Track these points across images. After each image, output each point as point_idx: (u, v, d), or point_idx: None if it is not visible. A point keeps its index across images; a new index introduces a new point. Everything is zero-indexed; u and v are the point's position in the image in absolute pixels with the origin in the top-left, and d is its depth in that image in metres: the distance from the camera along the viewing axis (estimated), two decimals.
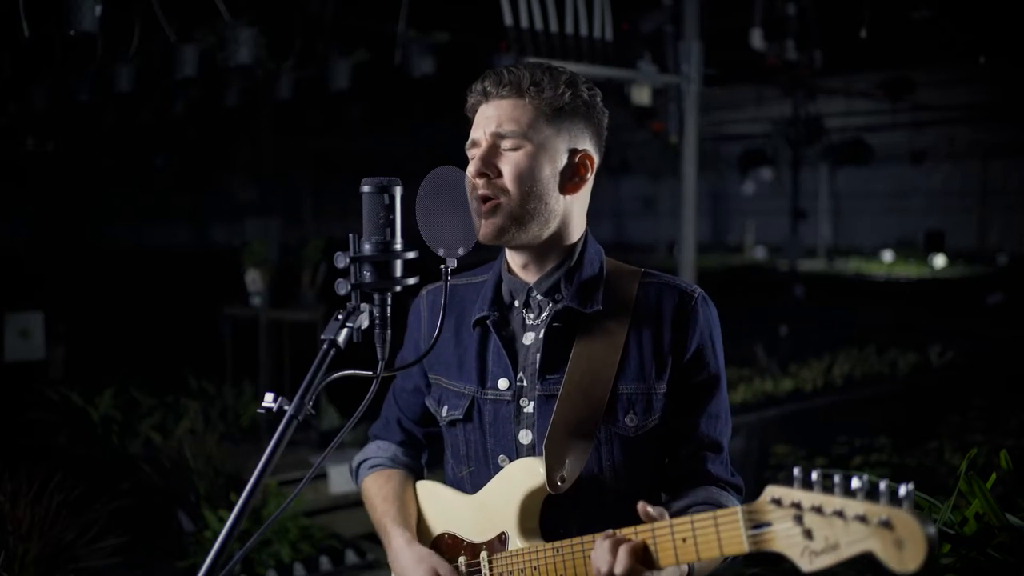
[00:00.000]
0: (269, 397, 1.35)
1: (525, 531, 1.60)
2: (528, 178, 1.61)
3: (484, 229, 1.60)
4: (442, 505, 1.77)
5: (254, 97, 8.34)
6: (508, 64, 1.69)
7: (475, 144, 1.66)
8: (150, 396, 6.05)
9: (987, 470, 2.75)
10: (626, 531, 1.41)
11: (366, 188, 1.43)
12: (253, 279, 6.09)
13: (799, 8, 6.65)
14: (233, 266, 6.33)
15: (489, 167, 1.61)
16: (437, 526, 1.76)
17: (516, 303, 1.72)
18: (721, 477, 1.67)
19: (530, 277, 1.71)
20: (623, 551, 1.37)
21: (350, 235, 1.43)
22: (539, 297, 1.70)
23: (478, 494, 1.69)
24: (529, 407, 1.66)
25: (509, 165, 1.61)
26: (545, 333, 1.67)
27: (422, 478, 1.88)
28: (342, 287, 1.43)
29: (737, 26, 6.53)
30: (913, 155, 15.75)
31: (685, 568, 1.45)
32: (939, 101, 12.80)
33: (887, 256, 18.01)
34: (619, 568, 1.36)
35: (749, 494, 1.62)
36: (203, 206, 19.98)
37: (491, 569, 1.63)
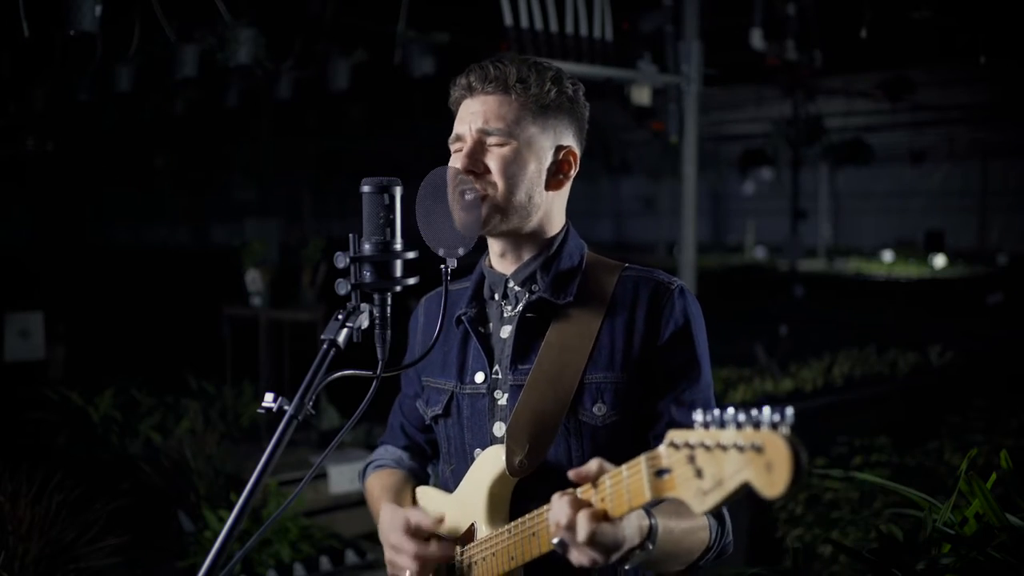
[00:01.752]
0: (269, 397, 1.36)
1: (493, 520, 1.60)
2: (514, 175, 1.62)
3: (469, 221, 1.60)
4: (432, 507, 1.78)
5: (254, 97, 8.34)
6: (494, 58, 1.68)
7: (459, 139, 1.66)
8: (150, 396, 6.05)
9: (987, 470, 2.75)
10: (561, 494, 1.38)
11: (366, 188, 1.43)
12: (253, 279, 6.09)
13: (799, 8, 6.65)
14: (233, 266, 6.33)
15: (476, 163, 1.61)
16: None
17: (496, 296, 1.73)
18: None
19: (507, 268, 1.72)
20: (582, 517, 1.31)
21: (350, 235, 1.43)
22: (516, 288, 1.70)
23: (456, 490, 1.70)
24: (503, 399, 1.67)
25: (496, 161, 1.62)
26: (517, 323, 1.67)
27: (425, 484, 1.89)
28: (342, 287, 1.43)
29: (737, 26, 6.53)
30: (913, 155, 15.75)
31: (645, 524, 1.38)
32: (939, 101, 12.79)
33: (887, 256, 18.00)
34: (580, 536, 1.30)
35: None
36: (203, 206, 19.99)
37: (461, 561, 1.64)
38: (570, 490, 1.36)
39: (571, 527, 1.31)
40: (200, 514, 4.42)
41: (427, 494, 1.81)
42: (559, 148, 1.68)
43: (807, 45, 6.91)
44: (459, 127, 1.66)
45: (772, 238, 19.06)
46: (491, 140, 1.62)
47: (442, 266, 1.52)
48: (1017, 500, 2.22)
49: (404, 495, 1.81)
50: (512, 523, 1.53)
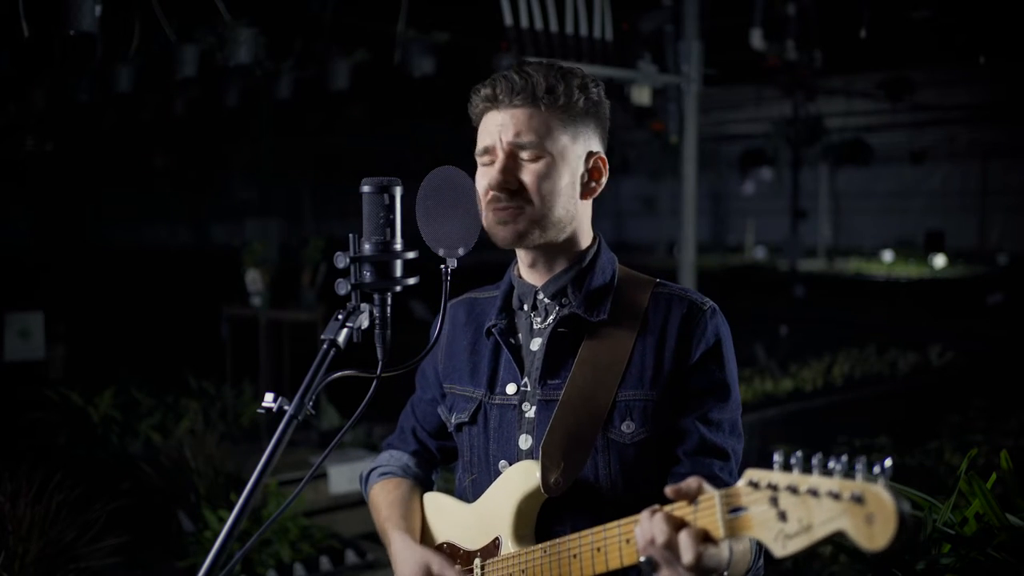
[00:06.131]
0: (269, 397, 1.35)
1: (519, 536, 1.58)
2: (550, 189, 1.59)
3: (504, 233, 1.60)
4: (444, 515, 1.76)
5: (254, 97, 8.34)
6: (517, 66, 1.63)
7: (489, 152, 1.62)
8: (150, 396, 6.05)
9: (987, 470, 2.76)
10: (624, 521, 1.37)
11: (366, 188, 1.43)
12: (253, 279, 6.09)
13: (799, 8, 6.66)
14: (233, 266, 6.33)
15: (511, 180, 1.59)
16: (438, 536, 1.75)
17: (524, 307, 1.72)
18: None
19: (537, 279, 1.70)
20: (687, 537, 1.23)
21: (350, 235, 1.42)
22: (546, 300, 1.69)
23: (477, 501, 1.68)
24: (531, 412, 1.65)
25: (531, 176, 1.59)
26: (548, 338, 1.66)
27: (431, 491, 1.87)
28: (342, 287, 1.42)
29: (737, 26, 6.53)
30: (913, 155, 15.75)
31: (726, 555, 1.31)
32: (939, 101, 12.79)
33: (887, 256, 18.00)
34: (687, 558, 1.22)
35: None
36: (203, 206, 19.97)
37: (483, 575, 1.62)
38: (656, 507, 1.30)
39: (671, 546, 1.24)
40: (200, 514, 4.41)
41: (437, 502, 1.79)
42: (589, 155, 1.66)
43: (807, 45, 6.92)
44: (486, 139, 1.62)
45: (772, 238, 19.05)
46: (524, 154, 1.59)
47: (442, 266, 1.51)
48: (1017, 500, 2.22)
49: (413, 510, 1.78)
50: (548, 543, 1.50)
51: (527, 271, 1.71)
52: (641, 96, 5.31)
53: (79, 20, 3.75)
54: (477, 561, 1.64)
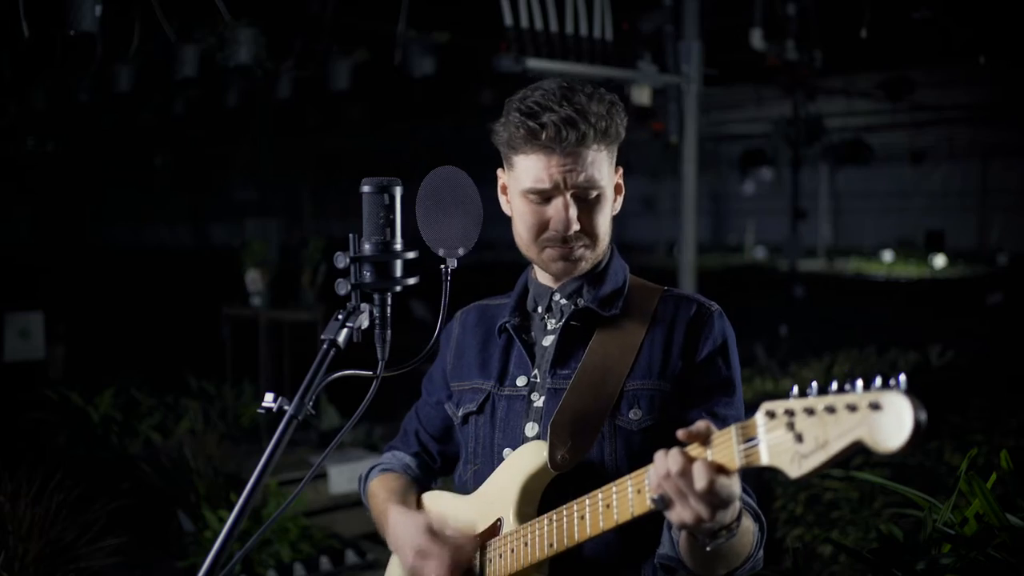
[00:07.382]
0: (269, 397, 1.36)
1: (521, 515, 1.60)
2: (606, 224, 1.68)
3: (567, 268, 1.67)
4: (443, 510, 1.76)
5: (254, 97, 8.34)
6: (565, 98, 1.59)
7: (545, 193, 1.62)
8: (150, 396, 6.05)
9: (987, 470, 2.75)
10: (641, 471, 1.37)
11: (366, 188, 1.44)
12: (253, 279, 6.09)
13: (799, 8, 6.65)
14: (233, 266, 6.33)
15: (578, 223, 1.63)
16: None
17: (539, 308, 1.76)
18: None
19: (554, 282, 1.74)
20: (700, 465, 1.27)
21: (350, 235, 1.43)
22: (562, 301, 1.73)
23: (479, 488, 1.69)
24: (539, 401, 1.68)
25: (592, 217, 1.65)
26: (561, 330, 1.69)
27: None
28: (342, 287, 1.43)
29: (737, 26, 6.52)
30: (913, 155, 15.74)
31: (737, 488, 1.33)
32: (939, 101, 12.79)
33: (887, 256, 18.01)
34: (700, 484, 1.25)
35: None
36: (203, 206, 19.98)
37: (482, 556, 1.63)
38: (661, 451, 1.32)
39: (686, 474, 1.26)
40: (200, 514, 4.42)
41: (435, 499, 1.80)
42: (615, 171, 1.71)
43: (807, 45, 6.90)
44: (544, 181, 1.61)
45: (772, 238, 19.06)
46: (583, 194, 1.63)
47: (442, 266, 1.52)
48: (1017, 500, 2.22)
49: (410, 501, 1.80)
50: (553, 511, 1.52)
51: (545, 275, 1.75)
52: (641, 96, 5.30)
53: (79, 20, 3.74)
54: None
